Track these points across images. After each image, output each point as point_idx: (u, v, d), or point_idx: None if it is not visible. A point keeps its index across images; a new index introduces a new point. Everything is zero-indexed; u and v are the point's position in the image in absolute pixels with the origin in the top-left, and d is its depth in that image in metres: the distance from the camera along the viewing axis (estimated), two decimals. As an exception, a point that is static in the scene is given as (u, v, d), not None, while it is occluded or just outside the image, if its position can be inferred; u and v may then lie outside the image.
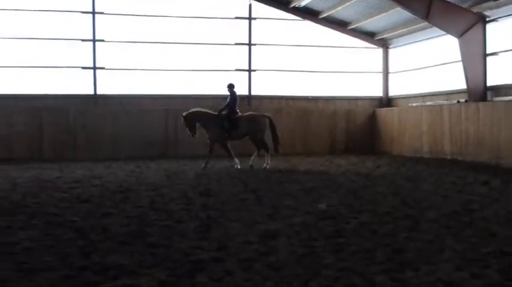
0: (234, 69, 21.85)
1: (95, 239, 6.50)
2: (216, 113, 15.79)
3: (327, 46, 22.72)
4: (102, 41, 20.70)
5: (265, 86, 22.22)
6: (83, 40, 20.58)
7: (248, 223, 7.42)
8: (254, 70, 22.05)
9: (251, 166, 15.36)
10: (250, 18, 21.90)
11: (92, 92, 20.66)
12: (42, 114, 19.66)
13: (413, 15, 18.69)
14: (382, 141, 22.07)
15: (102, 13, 20.62)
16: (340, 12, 21.27)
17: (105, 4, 20.63)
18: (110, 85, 20.89)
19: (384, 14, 19.98)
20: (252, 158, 15.69)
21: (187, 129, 15.74)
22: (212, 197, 9.74)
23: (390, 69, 23.54)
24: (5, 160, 18.23)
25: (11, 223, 7.47)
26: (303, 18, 22.18)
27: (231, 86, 15.96)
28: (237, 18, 21.82)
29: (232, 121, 15.53)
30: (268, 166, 15.40)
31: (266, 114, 16.44)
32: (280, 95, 22.39)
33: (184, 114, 15.68)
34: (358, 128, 22.46)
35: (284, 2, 21.68)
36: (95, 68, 20.66)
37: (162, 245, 6.21)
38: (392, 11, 19.38)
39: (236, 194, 10.12)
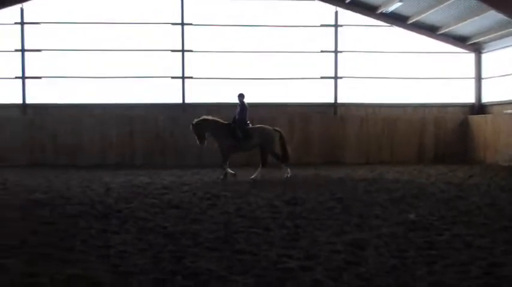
0: (319, 77, 21.76)
1: (184, 245, 6.63)
2: (227, 123, 15.34)
3: (415, 52, 22.13)
4: (191, 51, 21.25)
5: (351, 93, 21.93)
6: (172, 51, 21.24)
7: (336, 232, 7.33)
8: (340, 77, 21.83)
9: (252, 178, 14.90)
10: (336, 26, 21.74)
11: (181, 101, 21.23)
12: (133, 123, 20.46)
13: (508, 18, 17.85)
14: (474, 150, 21.20)
15: (190, 24, 21.19)
16: (429, 16, 20.68)
17: (194, 15, 21.18)
18: (198, 94, 21.37)
19: (476, 17, 19.19)
20: (256, 173, 15.10)
21: (196, 137, 15.28)
22: (299, 206, 9.70)
23: (483, 75, 22.57)
24: (100, 166, 19.13)
25: (105, 227, 7.77)
26: (390, 24, 21.75)
27: (241, 96, 15.45)
28: (322, 25, 21.72)
29: (245, 131, 15.15)
30: (289, 175, 14.99)
31: (277, 128, 15.98)
32: (367, 102, 22.02)
33: (194, 122, 15.29)
34: (448, 136, 21.69)
35: (371, 8, 21.36)
36: (183, 77, 21.24)
37: (250, 252, 6.24)
38: (485, 14, 18.59)
39: (323, 203, 10.03)
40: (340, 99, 21.87)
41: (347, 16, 21.71)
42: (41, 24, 20.82)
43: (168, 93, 21.33)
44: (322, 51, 21.80)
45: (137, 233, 7.38)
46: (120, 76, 21.10)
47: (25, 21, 20.76)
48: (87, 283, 5.09)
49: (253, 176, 14.83)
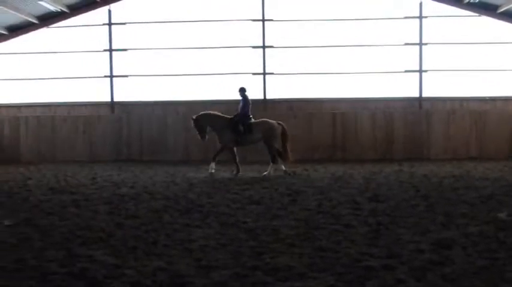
0: (403, 70, 21.19)
1: (265, 240, 6.66)
2: (229, 117, 15.25)
3: (506, 42, 21.06)
4: (271, 47, 21.30)
5: (437, 87, 21.19)
6: (253, 47, 21.37)
7: (420, 231, 7.10)
8: (425, 71, 21.14)
9: (264, 175, 14.81)
10: (420, 17, 21.05)
11: (262, 97, 21.32)
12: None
13: None
14: None
15: (271, 20, 21.23)
16: (521, 5, 19.62)
17: (274, 11, 21.20)
18: (279, 90, 21.39)
19: None
20: (269, 169, 15.05)
21: (197, 132, 15.34)
22: (381, 203, 9.50)
23: None
24: (183, 162, 19.58)
25: (188, 221, 7.94)
26: (478, 13, 20.81)
27: (242, 90, 15.49)
28: (406, 17, 21.11)
29: (246, 126, 14.97)
30: (268, 175, 14.70)
31: (280, 122, 15.71)
32: (454, 96, 21.18)
33: (194, 116, 15.31)
34: (543, 131, 20.49)
35: (457, -2, 20.55)
36: (264, 73, 21.32)
37: (331, 249, 6.17)
38: None
39: (407, 200, 9.76)
40: (426, 93, 21.19)
41: (432, 7, 20.99)
42: (127, 24, 21.58)
43: (249, 90, 21.42)
44: (406, 44, 21.19)
45: (219, 228, 7.48)
46: (202, 73, 21.49)
47: (112, 22, 21.59)
48: (171, 276, 5.21)
49: (265, 173, 14.80)
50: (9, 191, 11.69)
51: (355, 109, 20.69)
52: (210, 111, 15.70)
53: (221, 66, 21.39)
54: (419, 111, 20.87)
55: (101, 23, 21.62)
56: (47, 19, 21.39)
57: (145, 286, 4.94)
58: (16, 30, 21.63)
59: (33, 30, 21.66)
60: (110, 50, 21.65)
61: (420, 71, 21.11)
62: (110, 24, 21.57)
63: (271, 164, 15.13)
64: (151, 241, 6.71)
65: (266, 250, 6.17)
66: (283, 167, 15.14)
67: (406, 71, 21.19)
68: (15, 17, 20.50)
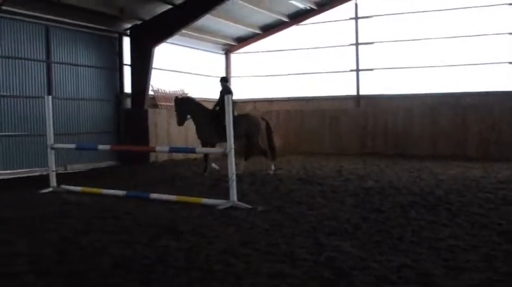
0: None
1: (523, 245, 6.08)
2: (210, 109, 13.39)
3: None
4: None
5: None
6: (510, 33, 19.58)
7: None
8: None
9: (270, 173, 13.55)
10: None
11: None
12: (467, 112, 19.55)
13: None
14: None
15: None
16: None
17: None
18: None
19: None
20: (272, 167, 13.79)
21: (176, 115, 13.54)
22: None
23: None
24: (429, 157, 18.91)
25: (435, 219, 7.65)
26: None
27: (223, 80, 13.48)
28: None
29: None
30: (272, 172, 13.66)
31: (264, 117, 13.80)
32: None
33: (179, 97, 13.78)
34: None
35: None
36: (517, 62, 19.45)
37: None
38: None
39: None
40: None
41: None
42: (373, 17, 21.57)
43: (504, 81, 19.77)
44: None
45: (469, 228, 7.05)
46: (449, 64, 20.40)
47: (359, 16, 21.80)
48: (417, 274, 5.06)
49: (239, 172, 12.96)
50: (262, 180, 12.59)
51: None
52: (193, 98, 14.21)
53: (472, 55, 19.99)
54: None
55: (348, 18, 21.99)
56: (297, 17, 22.52)
57: (391, 281, 4.87)
58: (269, 29, 23.20)
59: (284, 28, 23.01)
60: (356, 44, 21.92)
61: None
62: (356, 18, 21.83)
63: (244, 161, 13.97)
64: (397, 236, 6.60)
65: (522, 256, 5.63)
66: (273, 167, 13.97)
67: None
68: (268, 16, 22.02)
